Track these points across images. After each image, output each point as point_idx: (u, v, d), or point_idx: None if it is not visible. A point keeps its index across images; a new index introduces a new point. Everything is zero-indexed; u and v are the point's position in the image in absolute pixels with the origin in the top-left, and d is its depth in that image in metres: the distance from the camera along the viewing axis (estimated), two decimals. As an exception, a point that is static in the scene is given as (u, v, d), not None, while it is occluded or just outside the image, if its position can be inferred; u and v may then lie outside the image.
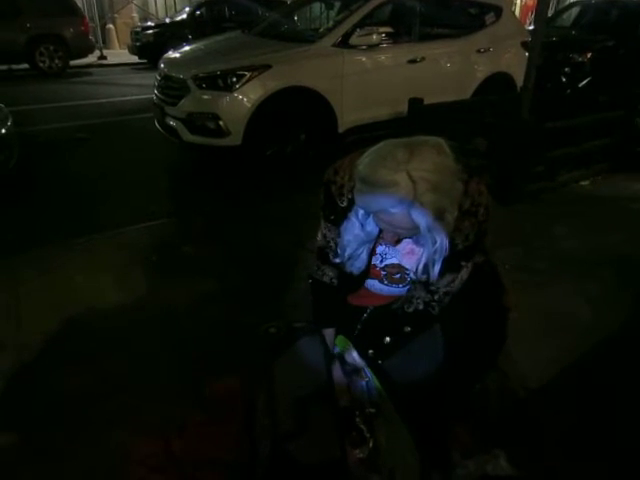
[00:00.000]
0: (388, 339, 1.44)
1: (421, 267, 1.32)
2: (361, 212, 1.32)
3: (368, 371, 1.51)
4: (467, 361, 1.47)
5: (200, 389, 1.80)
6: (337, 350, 1.59)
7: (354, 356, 1.56)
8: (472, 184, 1.27)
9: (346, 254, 1.42)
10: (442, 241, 1.21)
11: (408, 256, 1.41)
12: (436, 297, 1.40)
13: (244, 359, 1.75)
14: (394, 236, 1.28)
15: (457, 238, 1.29)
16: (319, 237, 1.54)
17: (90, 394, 1.84)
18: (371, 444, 1.37)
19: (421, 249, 1.34)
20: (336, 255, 1.49)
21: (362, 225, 1.34)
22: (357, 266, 1.46)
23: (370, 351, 1.45)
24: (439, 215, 1.16)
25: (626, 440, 1.71)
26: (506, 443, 1.57)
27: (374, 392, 1.47)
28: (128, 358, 2.02)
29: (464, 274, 1.39)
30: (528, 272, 2.63)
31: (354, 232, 1.36)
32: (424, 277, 1.38)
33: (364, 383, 1.48)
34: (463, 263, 1.37)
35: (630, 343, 2.19)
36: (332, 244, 1.49)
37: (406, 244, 1.38)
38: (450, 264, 1.34)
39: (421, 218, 1.15)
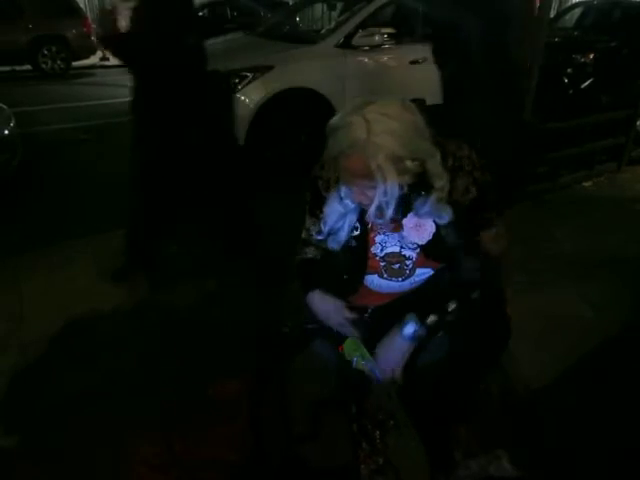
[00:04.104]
0: (433, 317, 1.38)
1: (373, 209, 1.29)
2: (343, 188, 1.36)
3: (378, 373, 1.48)
4: (471, 360, 1.46)
5: (201, 389, 1.81)
6: (345, 353, 1.57)
7: (365, 362, 1.54)
8: (448, 144, 1.33)
9: (326, 228, 1.45)
10: (393, 182, 1.21)
11: (414, 230, 1.40)
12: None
13: (246, 359, 1.75)
14: (359, 194, 1.29)
15: (454, 194, 1.31)
16: (303, 234, 1.57)
17: (91, 394, 1.85)
18: (382, 459, 1.36)
19: (427, 221, 1.36)
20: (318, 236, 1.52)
21: (341, 198, 1.38)
22: (338, 240, 1.47)
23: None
24: (393, 160, 1.18)
25: (627, 440, 1.71)
26: (509, 444, 1.56)
27: (384, 397, 1.45)
28: (129, 358, 2.03)
29: (502, 232, 1.41)
30: (529, 273, 2.62)
31: (333, 205, 1.40)
32: (380, 219, 1.35)
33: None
34: (487, 215, 1.38)
35: (631, 343, 2.19)
36: (314, 237, 1.52)
37: (410, 219, 1.38)
38: (472, 223, 1.37)
39: (373, 159, 1.17)
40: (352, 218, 1.43)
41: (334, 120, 1.24)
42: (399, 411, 1.43)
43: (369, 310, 1.58)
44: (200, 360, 1.99)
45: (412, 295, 1.49)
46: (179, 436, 1.62)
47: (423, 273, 1.48)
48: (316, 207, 1.47)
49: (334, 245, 1.49)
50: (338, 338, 1.54)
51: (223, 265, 2.74)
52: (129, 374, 1.94)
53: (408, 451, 1.40)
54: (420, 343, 1.40)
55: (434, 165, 1.26)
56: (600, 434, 1.71)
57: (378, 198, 1.24)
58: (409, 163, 1.22)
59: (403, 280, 1.49)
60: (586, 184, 4.07)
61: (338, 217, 1.42)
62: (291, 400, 1.46)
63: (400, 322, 1.38)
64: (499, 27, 2.62)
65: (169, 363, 1.99)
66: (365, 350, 1.51)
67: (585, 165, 4.14)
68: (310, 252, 1.57)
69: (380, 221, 1.38)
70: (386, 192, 1.23)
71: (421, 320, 1.36)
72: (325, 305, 1.49)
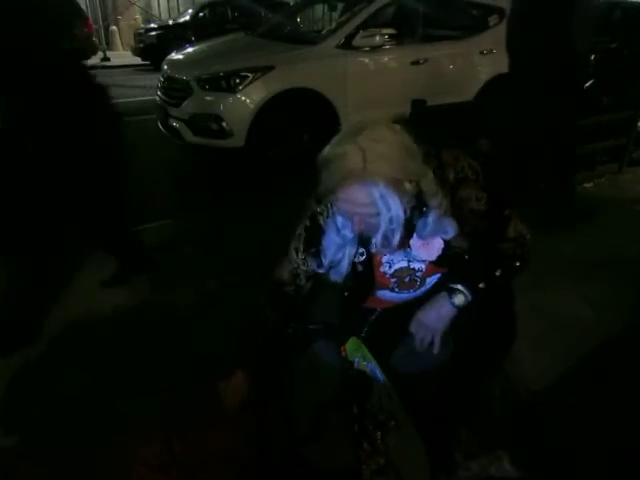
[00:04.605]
0: (482, 285, 1.35)
1: (379, 238, 1.27)
2: (339, 219, 1.34)
3: (380, 374, 1.48)
4: (474, 362, 1.45)
5: (202, 389, 1.80)
6: (347, 354, 1.56)
7: (366, 362, 1.53)
8: (443, 155, 1.31)
9: (327, 261, 1.42)
10: (397, 209, 1.20)
11: (423, 248, 1.39)
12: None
13: (246, 359, 1.74)
14: (360, 224, 1.26)
15: (466, 205, 1.31)
16: (284, 275, 1.50)
17: (91, 394, 1.85)
18: (383, 460, 1.36)
19: (434, 238, 1.36)
20: (298, 291, 1.49)
21: (338, 230, 1.36)
22: (339, 272, 1.45)
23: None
24: (393, 184, 1.16)
25: (627, 440, 1.71)
26: (509, 444, 1.56)
27: (385, 397, 1.45)
28: (129, 358, 2.03)
29: (519, 222, 1.40)
30: (529, 273, 2.60)
31: (331, 236, 1.38)
32: (387, 247, 1.32)
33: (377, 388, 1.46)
34: (506, 212, 1.38)
35: (631, 344, 2.18)
36: (302, 278, 1.48)
37: (417, 240, 1.37)
38: (494, 224, 1.36)
39: (373, 186, 1.15)
40: (352, 250, 1.41)
41: (325, 152, 1.20)
42: (400, 412, 1.43)
43: (377, 311, 1.58)
44: (201, 360, 1.99)
45: (458, 269, 1.45)
46: (179, 436, 1.62)
47: (435, 279, 1.48)
48: (315, 242, 1.43)
49: (337, 277, 1.47)
50: (340, 339, 1.54)
51: (223, 265, 2.75)
52: (129, 374, 1.94)
53: (409, 452, 1.39)
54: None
55: (427, 184, 1.24)
56: (600, 434, 1.71)
57: (384, 227, 1.23)
58: (407, 185, 1.20)
59: (415, 290, 1.50)
60: (587, 185, 4.07)
61: (337, 249, 1.40)
62: (293, 401, 1.46)
63: (448, 289, 1.35)
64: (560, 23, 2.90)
65: (169, 363, 1.99)
66: (367, 350, 1.51)
67: (586, 166, 4.14)
68: (271, 316, 1.52)
69: (387, 250, 1.35)
70: (392, 219, 1.21)
71: (471, 288, 1.33)
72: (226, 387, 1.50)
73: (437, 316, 1.35)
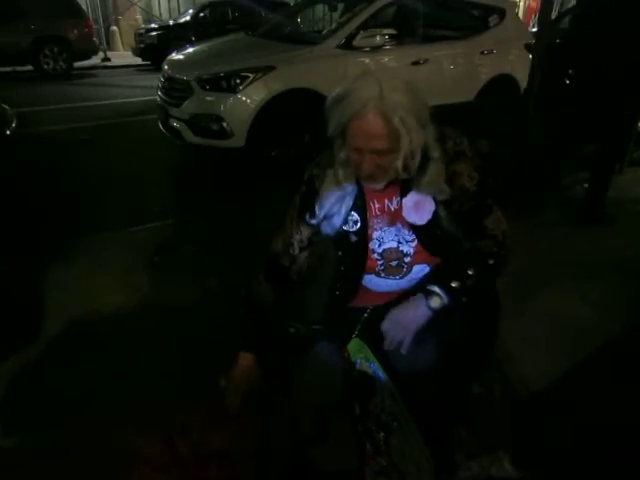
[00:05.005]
0: (456, 283, 1.32)
1: (400, 163, 1.27)
2: (340, 171, 1.35)
3: (383, 375, 1.48)
4: (461, 358, 1.45)
5: (203, 388, 1.80)
6: (349, 355, 1.56)
7: (369, 363, 1.53)
8: (447, 129, 1.36)
9: (322, 213, 1.43)
10: (417, 130, 1.22)
11: (414, 209, 1.39)
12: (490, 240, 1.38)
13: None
14: (371, 164, 1.26)
15: (458, 180, 1.33)
16: (278, 245, 1.53)
17: (92, 393, 1.85)
18: (385, 461, 1.36)
19: (426, 199, 1.36)
20: (292, 262, 1.51)
21: (339, 181, 1.37)
22: (332, 225, 1.46)
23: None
24: (409, 114, 1.19)
25: (627, 440, 1.71)
26: (509, 444, 1.56)
27: (388, 398, 1.45)
28: (130, 358, 2.03)
29: (500, 215, 1.40)
30: (530, 273, 2.62)
31: (330, 187, 1.39)
32: (405, 175, 1.33)
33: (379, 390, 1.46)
34: (489, 202, 1.38)
35: (632, 344, 2.18)
36: (295, 247, 1.50)
37: (410, 198, 1.38)
38: (477, 209, 1.37)
39: (392, 113, 1.18)
40: (349, 203, 1.42)
41: (336, 92, 1.23)
42: (403, 412, 1.43)
43: (368, 310, 1.58)
44: (201, 360, 1.99)
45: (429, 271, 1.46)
46: (181, 436, 1.62)
47: (421, 270, 1.47)
48: (310, 209, 1.46)
49: (328, 230, 1.48)
50: (342, 339, 1.54)
51: (224, 264, 2.75)
52: (130, 374, 1.94)
53: (412, 452, 1.39)
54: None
55: (429, 137, 1.28)
56: (600, 434, 1.71)
57: (406, 149, 1.24)
58: (418, 126, 1.23)
59: (401, 278, 1.49)
60: (587, 185, 4.06)
61: (336, 200, 1.41)
62: (297, 401, 1.45)
63: (424, 291, 1.34)
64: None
65: (170, 363, 1.99)
66: (369, 351, 1.51)
67: (586, 166, 4.13)
68: (267, 291, 1.53)
69: (405, 174, 1.33)
70: (412, 140, 1.23)
71: (446, 288, 1.31)
72: (239, 366, 1.50)
73: (413, 316, 1.33)
